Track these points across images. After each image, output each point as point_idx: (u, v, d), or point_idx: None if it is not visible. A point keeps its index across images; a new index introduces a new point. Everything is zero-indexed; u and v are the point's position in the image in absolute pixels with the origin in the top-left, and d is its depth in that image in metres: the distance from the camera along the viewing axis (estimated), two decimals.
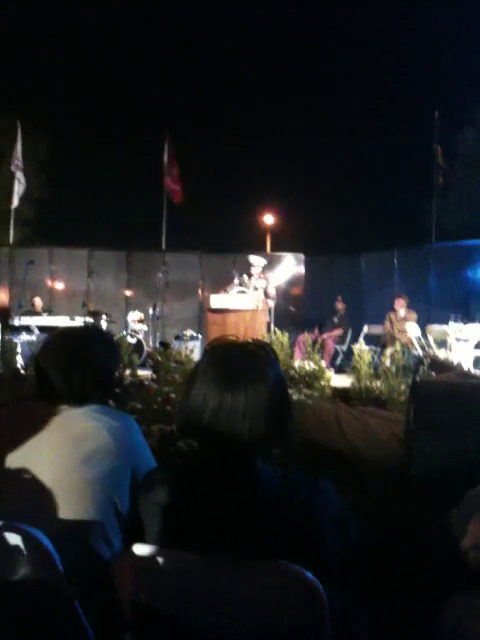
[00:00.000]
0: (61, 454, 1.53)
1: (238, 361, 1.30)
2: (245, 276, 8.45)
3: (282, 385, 1.34)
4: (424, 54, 36.33)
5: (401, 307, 9.15)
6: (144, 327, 10.19)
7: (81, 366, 1.66)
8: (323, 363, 7.08)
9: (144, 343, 9.56)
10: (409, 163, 25.16)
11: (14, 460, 1.55)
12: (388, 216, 27.55)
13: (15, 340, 8.12)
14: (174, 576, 1.18)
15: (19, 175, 13.67)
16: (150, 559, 1.17)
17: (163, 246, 13.98)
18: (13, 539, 1.25)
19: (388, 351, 7.32)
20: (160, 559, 1.17)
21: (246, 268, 8.58)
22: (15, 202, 13.87)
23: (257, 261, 8.48)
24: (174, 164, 14.23)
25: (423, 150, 14.34)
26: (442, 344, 7.72)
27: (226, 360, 1.31)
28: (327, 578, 1.15)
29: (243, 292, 8.07)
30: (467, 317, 8.11)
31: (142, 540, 1.28)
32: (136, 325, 10.11)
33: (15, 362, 7.63)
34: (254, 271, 8.37)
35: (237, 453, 1.26)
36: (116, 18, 40.00)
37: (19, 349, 7.92)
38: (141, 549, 1.18)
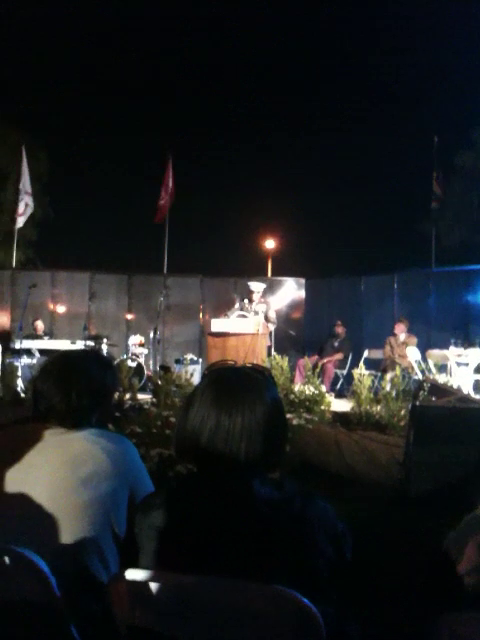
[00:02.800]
0: (58, 476, 1.54)
1: (236, 384, 1.32)
2: (246, 300, 8.49)
3: (279, 408, 1.35)
4: (423, 77, 36.88)
5: (401, 331, 9.16)
6: (145, 350, 10.19)
7: (79, 388, 1.68)
8: (323, 387, 7.08)
9: (144, 366, 9.57)
10: (409, 186, 25.35)
11: (11, 482, 1.55)
12: (388, 239, 27.71)
13: (16, 363, 8.15)
14: (171, 599, 1.18)
15: (28, 200, 13.76)
16: (147, 582, 1.17)
17: (164, 269, 14.04)
18: (9, 561, 1.26)
19: (388, 375, 7.31)
20: (157, 582, 1.17)
21: (247, 293, 8.63)
22: (20, 223, 13.94)
23: (256, 286, 8.53)
24: (169, 185, 14.26)
25: (423, 173, 14.47)
26: (442, 368, 7.72)
27: (224, 383, 1.33)
28: (321, 594, 1.16)
29: (244, 316, 8.09)
30: (467, 341, 8.13)
31: (139, 563, 1.28)
32: (137, 348, 10.12)
33: (15, 385, 7.64)
34: (254, 296, 8.41)
35: (234, 474, 1.27)
36: (117, 40, 40.64)
37: (19, 372, 7.94)
38: (138, 572, 1.18)
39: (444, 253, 16.85)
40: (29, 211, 13.91)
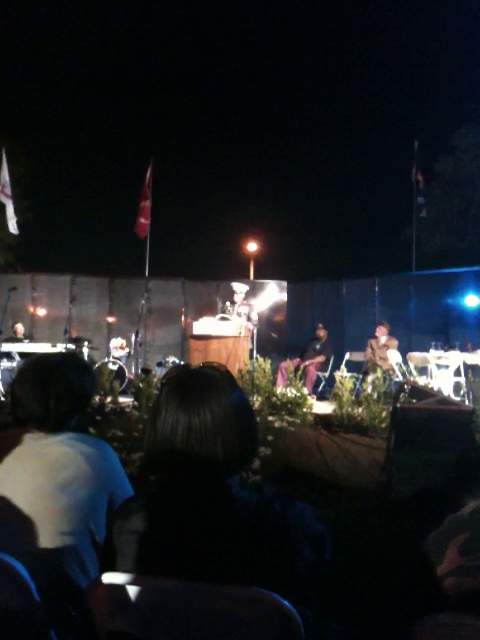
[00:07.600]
0: (37, 481, 1.52)
1: (197, 383, 1.32)
2: (228, 303, 8.48)
3: (245, 402, 1.36)
4: (405, 83, 37.25)
5: (382, 334, 9.21)
6: (126, 354, 10.14)
7: (57, 393, 1.67)
8: (305, 390, 7.09)
9: (126, 370, 9.52)
10: (390, 191, 25.58)
11: None
12: (369, 244, 27.89)
13: None
14: (150, 603, 1.17)
15: (8, 203, 13.52)
16: (126, 587, 1.16)
17: (146, 272, 13.99)
18: None
19: (369, 378, 7.36)
20: (136, 586, 1.16)
21: (229, 295, 8.62)
22: (13, 229, 13.66)
23: (240, 288, 8.53)
24: (147, 194, 14.13)
25: (404, 178, 14.58)
26: (423, 371, 7.79)
27: (186, 385, 1.33)
28: (301, 596, 1.16)
29: (226, 318, 8.08)
30: (447, 344, 8.20)
31: (118, 568, 1.27)
32: (118, 352, 10.07)
33: None
34: (237, 298, 8.40)
35: (213, 475, 1.27)
36: (100, 43, 40.45)
37: None
38: (116, 577, 1.18)
39: (425, 257, 17.02)
40: (11, 215, 13.67)
